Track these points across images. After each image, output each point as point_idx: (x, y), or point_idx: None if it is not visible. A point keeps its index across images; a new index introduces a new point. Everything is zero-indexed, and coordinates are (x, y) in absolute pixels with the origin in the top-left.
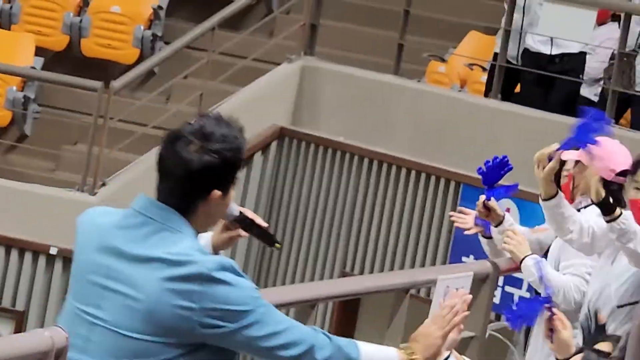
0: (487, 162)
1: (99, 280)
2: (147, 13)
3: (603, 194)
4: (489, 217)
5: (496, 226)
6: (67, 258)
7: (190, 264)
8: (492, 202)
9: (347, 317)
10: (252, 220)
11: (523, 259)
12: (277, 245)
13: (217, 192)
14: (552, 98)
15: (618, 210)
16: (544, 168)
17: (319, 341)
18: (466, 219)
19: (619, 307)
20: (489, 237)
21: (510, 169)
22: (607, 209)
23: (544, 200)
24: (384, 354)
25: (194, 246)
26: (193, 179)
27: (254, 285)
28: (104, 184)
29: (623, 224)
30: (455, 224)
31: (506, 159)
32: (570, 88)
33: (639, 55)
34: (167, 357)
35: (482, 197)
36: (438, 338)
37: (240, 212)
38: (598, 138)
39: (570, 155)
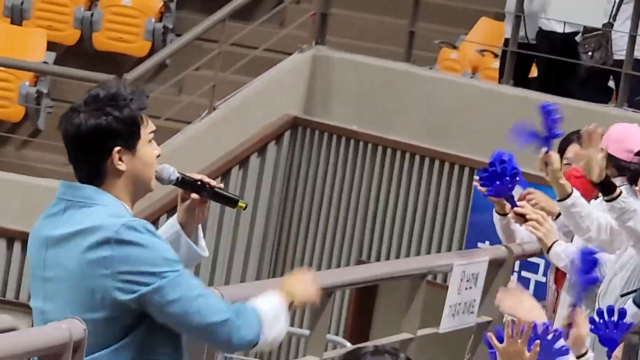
0: (486, 173)
1: (39, 272)
2: (157, 5)
3: (603, 174)
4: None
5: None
6: None
7: (99, 230)
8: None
9: (364, 304)
10: (195, 180)
11: (551, 246)
12: (240, 204)
13: (116, 149)
14: (572, 76)
15: (617, 190)
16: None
17: (234, 314)
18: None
19: (621, 295)
20: (504, 215)
21: (521, 183)
22: (608, 188)
23: (559, 200)
24: (272, 306)
25: (108, 212)
26: (86, 141)
27: (171, 250)
28: None
29: (623, 203)
30: (478, 188)
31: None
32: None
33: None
34: (112, 336)
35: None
36: (311, 283)
37: (180, 175)
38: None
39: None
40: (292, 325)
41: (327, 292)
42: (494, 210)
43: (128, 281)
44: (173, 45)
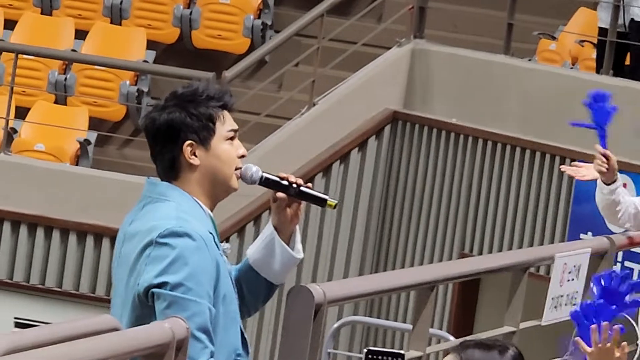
0: (589, 103)
1: (114, 267)
2: (256, 2)
3: None
4: (607, 173)
5: (608, 184)
6: None
7: (152, 231)
8: (609, 153)
9: (467, 298)
10: (279, 179)
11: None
12: (330, 203)
13: (187, 142)
14: None
15: None
16: None
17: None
18: (580, 170)
19: None
20: (610, 184)
21: (616, 108)
22: None
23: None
24: None
25: (178, 208)
26: (160, 136)
27: (202, 276)
28: None
29: None
30: (568, 173)
31: (608, 95)
32: None
33: None
34: None
35: (599, 147)
36: None
37: (264, 174)
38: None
39: None
40: (395, 319)
41: (430, 287)
42: (597, 182)
43: (143, 274)
44: (272, 41)
